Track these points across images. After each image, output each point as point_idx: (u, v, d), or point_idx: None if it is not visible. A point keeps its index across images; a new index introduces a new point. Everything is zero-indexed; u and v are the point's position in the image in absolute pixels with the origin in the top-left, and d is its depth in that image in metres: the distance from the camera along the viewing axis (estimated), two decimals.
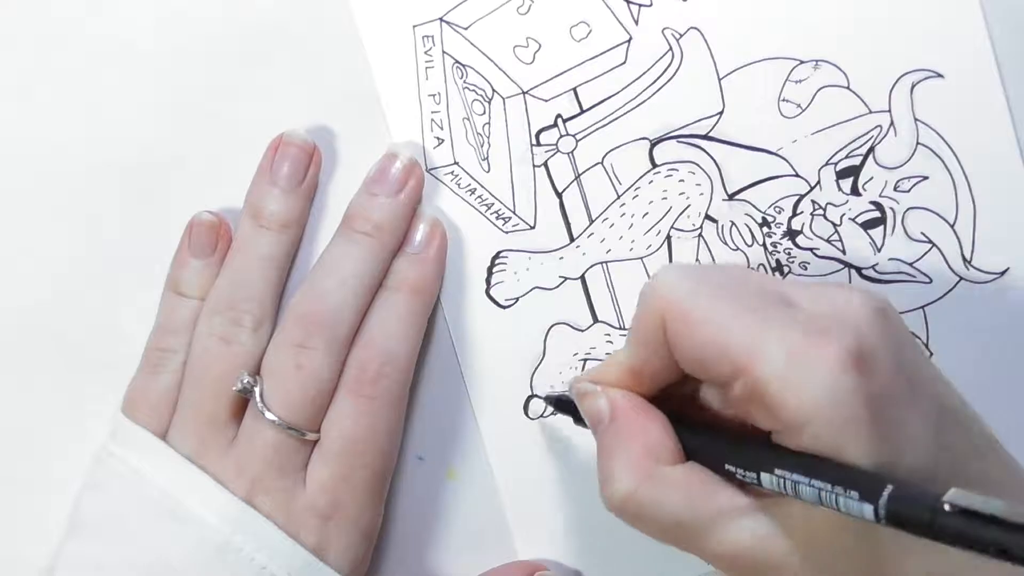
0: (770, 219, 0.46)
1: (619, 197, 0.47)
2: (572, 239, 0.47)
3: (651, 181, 0.46)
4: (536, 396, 0.47)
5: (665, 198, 0.46)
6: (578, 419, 0.42)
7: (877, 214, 0.46)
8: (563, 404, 0.44)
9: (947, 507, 0.30)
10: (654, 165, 0.46)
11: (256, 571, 0.42)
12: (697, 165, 0.46)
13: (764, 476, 0.35)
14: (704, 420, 0.39)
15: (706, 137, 0.46)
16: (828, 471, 0.33)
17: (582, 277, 0.47)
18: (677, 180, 0.46)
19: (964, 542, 0.30)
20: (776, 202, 0.46)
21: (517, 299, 0.47)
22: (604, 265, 0.47)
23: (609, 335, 0.47)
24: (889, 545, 0.34)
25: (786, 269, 0.46)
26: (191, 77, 0.47)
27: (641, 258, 0.47)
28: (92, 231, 0.48)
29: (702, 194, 0.46)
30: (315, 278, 0.45)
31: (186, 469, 0.43)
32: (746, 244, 0.46)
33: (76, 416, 0.49)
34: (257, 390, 0.44)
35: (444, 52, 0.46)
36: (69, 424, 0.49)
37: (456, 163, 0.47)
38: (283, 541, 0.43)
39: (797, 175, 0.46)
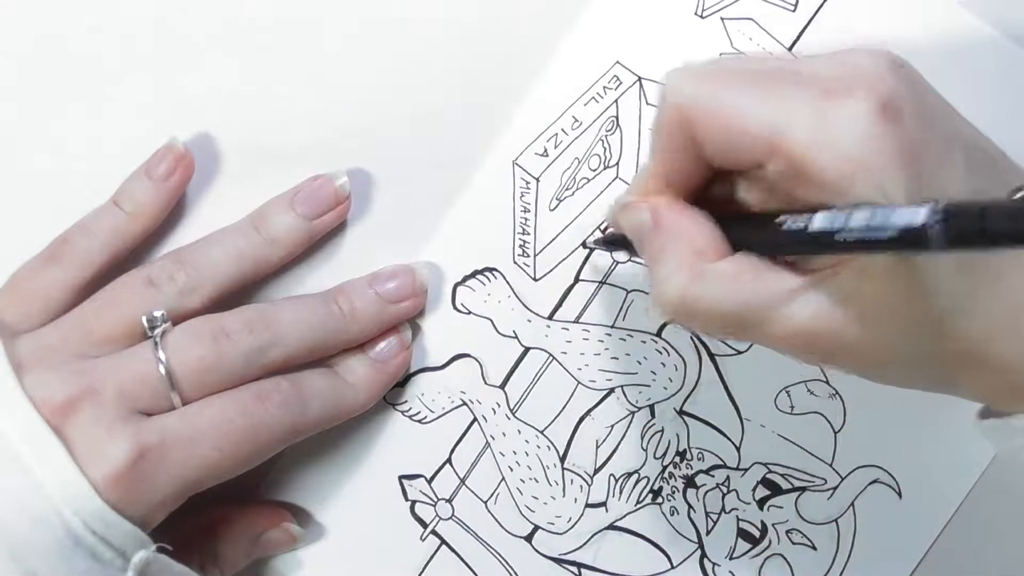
0: (688, 456, 0.47)
1: (612, 327, 0.47)
2: (550, 317, 0.47)
3: (643, 340, 0.47)
4: (402, 394, 0.47)
5: (639, 363, 0.47)
6: (631, 250, 0.41)
7: (757, 532, 0.47)
8: (612, 242, 0.44)
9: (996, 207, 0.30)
10: (658, 333, 0.47)
11: (31, 486, 0.39)
12: (685, 364, 0.47)
13: (814, 237, 0.34)
14: (745, 214, 0.39)
15: (710, 356, 0.47)
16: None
17: (526, 349, 0.47)
18: (660, 360, 0.47)
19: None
20: (706, 449, 0.47)
21: (469, 313, 0.47)
22: (550, 357, 0.47)
23: (497, 408, 0.47)
24: (948, 299, 0.34)
25: (659, 500, 0.47)
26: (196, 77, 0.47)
27: (579, 383, 0.47)
28: None
29: (665, 388, 0.47)
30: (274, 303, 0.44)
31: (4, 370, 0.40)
32: (655, 455, 0.47)
33: None
34: (161, 330, 0.41)
35: (618, 100, 0.47)
36: None
37: (537, 179, 0.47)
38: (74, 470, 0.39)
39: (739, 448, 0.47)
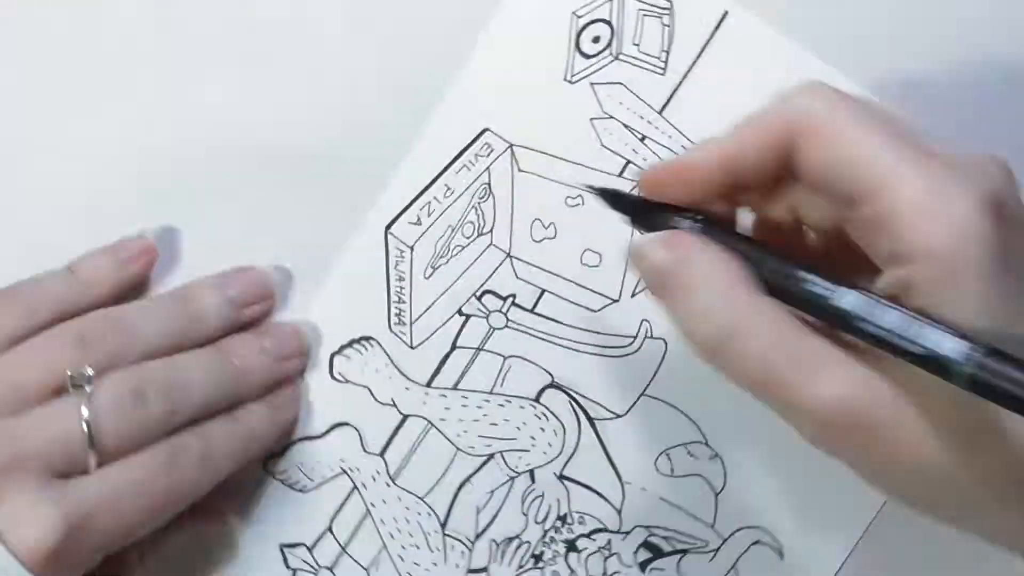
0: (569, 520, 0.47)
1: (491, 392, 0.47)
2: (428, 385, 0.47)
3: (522, 406, 0.47)
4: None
5: (518, 428, 0.47)
6: (638, 220, 0.38)
7: None
8: (622, 201, 0.39)
9: None
10: (537, 399, 0.47)
11: None
12: (564, 429, 0.47)
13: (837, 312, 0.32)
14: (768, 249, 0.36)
15: (589, 420, 0.47)
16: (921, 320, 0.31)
17: (404, 417, 0.47)
18: (539, 425, 0.47)
19: None
20: (587, 513, 0.47)
21: (347, 382, 0.47)
22: (428, 424, 0.47)
23: (377, 475, 0.47)
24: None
25: (540, 564, 0.47)
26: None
27: (458, 449, 0.47)
28: (94, 232, 0.47)
29: (545, 453, 0.47)
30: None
31: None
32: (536, 520, 0.47)
33: None
34: (89, 388, 0.41)
35: (490, 167, 0.47)
36: None
37: (411, 248, 0.47)
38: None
39: (620, 511, 0.47)
